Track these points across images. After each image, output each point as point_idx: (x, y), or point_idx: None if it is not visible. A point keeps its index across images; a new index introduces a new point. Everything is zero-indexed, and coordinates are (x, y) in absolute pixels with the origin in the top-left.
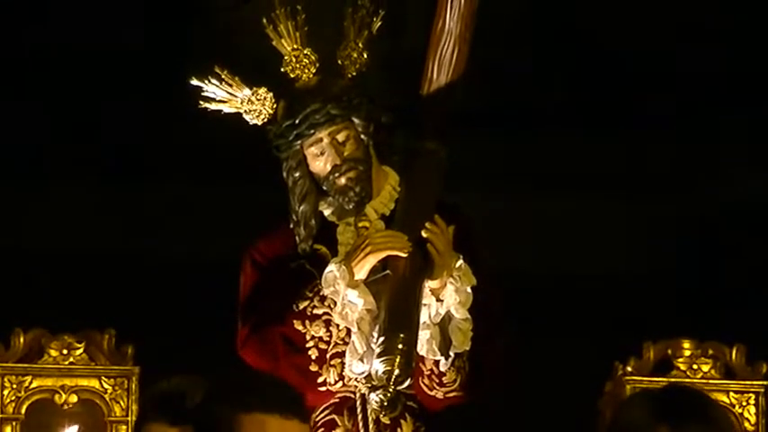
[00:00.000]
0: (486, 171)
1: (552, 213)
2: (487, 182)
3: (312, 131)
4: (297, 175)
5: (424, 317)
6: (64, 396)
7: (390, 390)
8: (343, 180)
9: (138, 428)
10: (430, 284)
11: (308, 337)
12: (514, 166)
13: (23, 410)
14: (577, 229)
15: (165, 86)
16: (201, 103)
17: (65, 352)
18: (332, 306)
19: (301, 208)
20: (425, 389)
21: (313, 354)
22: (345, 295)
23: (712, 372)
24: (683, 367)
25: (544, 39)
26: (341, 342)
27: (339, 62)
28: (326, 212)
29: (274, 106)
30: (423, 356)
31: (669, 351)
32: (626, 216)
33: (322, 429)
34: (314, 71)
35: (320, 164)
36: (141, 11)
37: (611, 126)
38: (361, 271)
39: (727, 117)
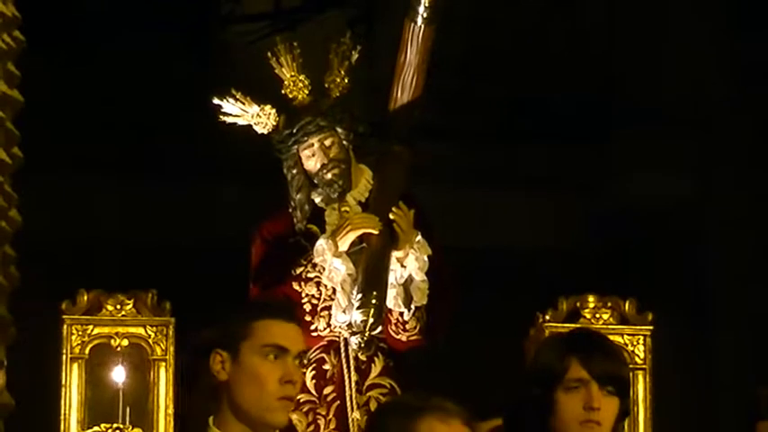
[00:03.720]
0: (442, 170)
1: (496, 204)
2: (451, 178)
3: (306, 138)
4: (294, 172)
5: (391, 279)
6: (118, 340)
7: (366, 334)
8: (329, 175)
9: None
10: (396, 254)
11: (303, 295)
12: (466, 167)
13: (87, 351)
14: (519, 217)
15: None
16: (221, 117)
17: (118, 307)
18: (321, 271)
19: (298, 197)
20: (393, 334)
21: (307, 307)
22: (331, 263)
23: (611, 319)
24: (588, 316)
25: (483, 76)
26: (328, 298)
27: (326, 85)
28: (317, 200)
29: (277, 119)
30: (390, 309)
31: (578, 304)
32: (554, 206)
33: (314, 365)
34: (307, 92)
35: (312, 163)
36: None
37: (535, 138)
38: (344, 244)
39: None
